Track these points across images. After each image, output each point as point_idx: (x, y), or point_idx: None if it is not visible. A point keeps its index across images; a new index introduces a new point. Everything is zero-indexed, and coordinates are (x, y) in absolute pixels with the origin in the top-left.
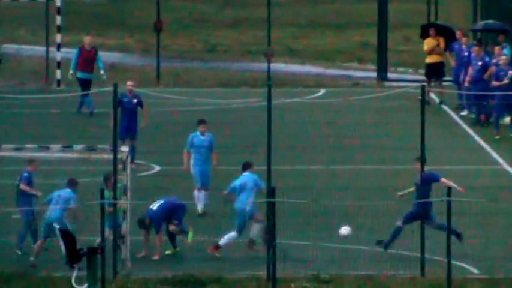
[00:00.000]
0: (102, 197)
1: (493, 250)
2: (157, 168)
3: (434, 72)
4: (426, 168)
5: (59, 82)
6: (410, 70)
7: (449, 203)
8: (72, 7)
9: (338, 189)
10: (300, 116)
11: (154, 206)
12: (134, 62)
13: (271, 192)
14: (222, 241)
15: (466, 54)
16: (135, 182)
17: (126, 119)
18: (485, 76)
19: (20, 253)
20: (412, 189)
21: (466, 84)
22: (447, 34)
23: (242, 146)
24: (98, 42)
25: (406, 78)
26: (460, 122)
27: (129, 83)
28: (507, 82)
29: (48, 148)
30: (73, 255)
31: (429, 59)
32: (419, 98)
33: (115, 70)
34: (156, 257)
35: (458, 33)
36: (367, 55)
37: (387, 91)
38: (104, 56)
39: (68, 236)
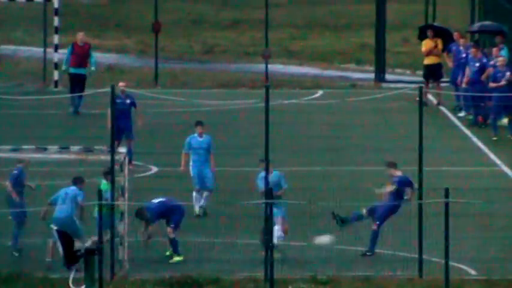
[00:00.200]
0: (100, 198)
1: (490, 251)
2: (154, 169)
3: (432, 73)
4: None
5: (56, 83)
6: (408, 71)
7: (446, 204)
8: (69, 8)
9: (336, 190)
10: (298, 117)
11: (155, 201)
12: (132, 63)
13: (268, 193)
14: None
15: (464, 55)
16: (133, 183)
17: (121, 120)
18: (483, 77)
19: (17, 254)
20: (390, 188)
21: (464, 85)
22: (445, 35)
23: (240, 147)
24: (95, 43)
25: (404, 80)
26: (458, 123)
27: (121, 83)
28: (504, 83)
29: (45, 149)
30: (71, 257)
31: (427, 60)
32: (417, 99)
33: (113, 71)
34: (141, 238)
35: (455, 35)
36: (365, 56)
37: (385, 92)
38: (101, 57)
39: (65, 237)
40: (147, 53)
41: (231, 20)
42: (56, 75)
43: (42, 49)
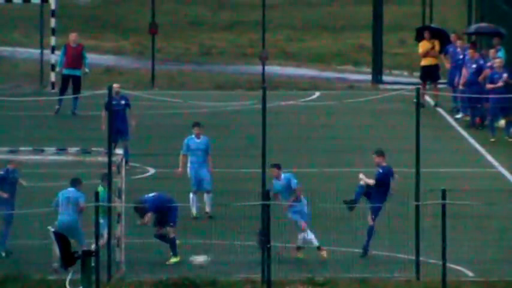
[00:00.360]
0: (97, 199)
1: (488, 253)
2: (152, 170)
3: (429, 74)
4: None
5: (53, 85)
6: (406, 73)
7: (443, 206)
8: (66, 10)
9: (333, 191)
10: (295, 119)
11: (150, 194)
12: (129, 65)
13: (265, 194)
14: (315, 242)
15: (461, 57)
16: (130, 184)
17: (116, 121)
18: (480, 79)
19: (3, 254)
20: (371, 182)
21: (461, 87)
22: (442, 37)
23: (237, 149)
24: (92, 44)
25: (401, 81)
26: (455, 124)
27: (115, 85)
28: (501, 85)
29: (42, 151)
30: (67, 258)
31: (424, 62)
32: (414, 100)
33: (110, 73)
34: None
35: (453, 36)
36: (363, 58)
37: (382, 94)
38: (98, 58)
39: (62, 239)
40: (144, 54)
41: (228, 21)
42: (52, 76)
43: (39, 51)
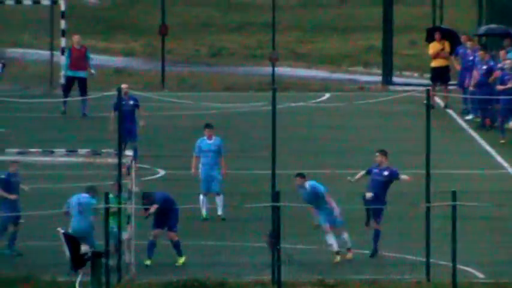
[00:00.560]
0: (106, 201)
1: (498, 254)
2: (162, 172)
3: (440, 76)
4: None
5: (63, 86)
6: (416, 74)
7: (454, 207)
8: (76, 11)
9: (343, 193)
10: (305, 120)
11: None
12: (139, 66)
13: (275, 196)
14: (335, 245)
15: (471, 58)
16: (140, 186)
17: (125, 122)
18: (490, 80)
19: (13, 254)
20: (362, 173)
21: (471, 88)
22: (452, 38)
23: (247, 150)
24: (102, 46)
25: (411, 82)
26: (465, 126)
27: (124, 85)
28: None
29: (52, 152)
30: (77, 260)
31: (434, 63)
32: (425, 102)
33: (120, 74)
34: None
35: (463, 38)
36: (373, 59)
37: (392, 95)
38: (108, 60)
39: (72, 241)
40: (154, 55)
41: (238, 22)
42: (62, 78)
43: (48, 52)
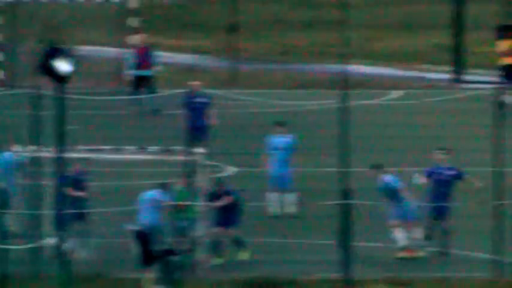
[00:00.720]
0: (177, 198)
1: None
2: (232, 169)
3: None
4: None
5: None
6: (486, 72)
7: None
8: (147, 8)
9: (413, 191)
10: (375, 118)
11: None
12: (210, 64)
13: (346, 193)
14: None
15: None
16: (211, 183)
17: (195, 119)
18: None
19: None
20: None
21: None
22: None
23: (317, 148)
24: (173, 44)
25: (481, 80)
26: None
27: (195, 83)
28: None
29: (123, 150)
30: (147, 257)
31: (506, 61)
32: (496, 100)
33: (190, 72)
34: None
35: None
36: (442, 57)
37: (462, 93)
38: (179, 57)
39: (142, 238)
40: (225, 53)
41: (309, 20)
42: (129, 76)
43: (120, 50)
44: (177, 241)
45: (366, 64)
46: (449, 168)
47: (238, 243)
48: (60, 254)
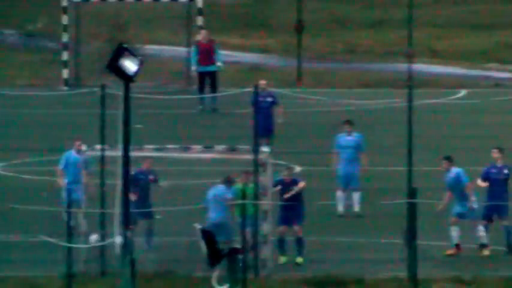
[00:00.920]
0: (243, 197)
1: None
2: (298, 168)
3: None
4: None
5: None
6: None
7: None
8: (213, 8)
9: (479, 190)
10: (441, 117)
11: None
12: (275, 63)
13: (412, 192)
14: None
15: None
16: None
17: (262, 118)
18: None
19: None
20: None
21: None
22: None
23: (382, 147)
24: (238, 43)
25: None
26: None
27: (262, 81)
28: None
29: (189, 148)
30: (214, 256)
31: None
32: None
33: (256, 71)
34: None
35: None
36: (509, 56)
37: None
38: (244, 57)
39: (208, 237)
40: (290, 52)
41: (374, 19)
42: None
43: (185, 49)
44: (242, 239)
45: (432, 63)
46: (504, 167)
47: (300, 247)
48: (125, 252)
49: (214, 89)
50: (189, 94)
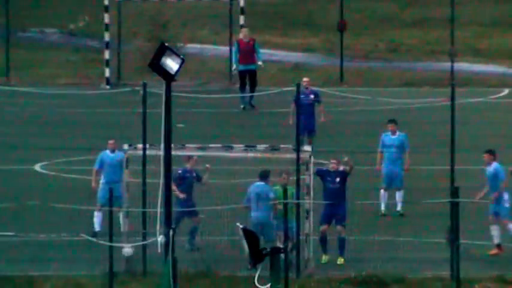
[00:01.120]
0: (285, 196)
1: None
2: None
3: None
4: None
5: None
6: None
7: None
8: (255, 7)
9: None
10: (484, 116)
11: None
12: (317, 62)
13: (454, 192)
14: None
15: None
16: (317, 181)
17: (304, 116)
18: None
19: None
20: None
21: None
22: None
23: (425, 146)
24: (281, 42)
25: None
26: None
27: (305, 79)
28: None
29: (231, 147)
30: (256, 255)
31: None
32: None
33: (298, 70)
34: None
35: None
36: None
37: None
38: (286, 55)
39: (250, 236)
40: (332, 51)
41: (416, 18)
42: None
43: (227, 48)
44: (284, 238)
45: (475, 62)
46: None
47: (341, 247)
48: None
49: (253, 88)
50: (231, 93)
